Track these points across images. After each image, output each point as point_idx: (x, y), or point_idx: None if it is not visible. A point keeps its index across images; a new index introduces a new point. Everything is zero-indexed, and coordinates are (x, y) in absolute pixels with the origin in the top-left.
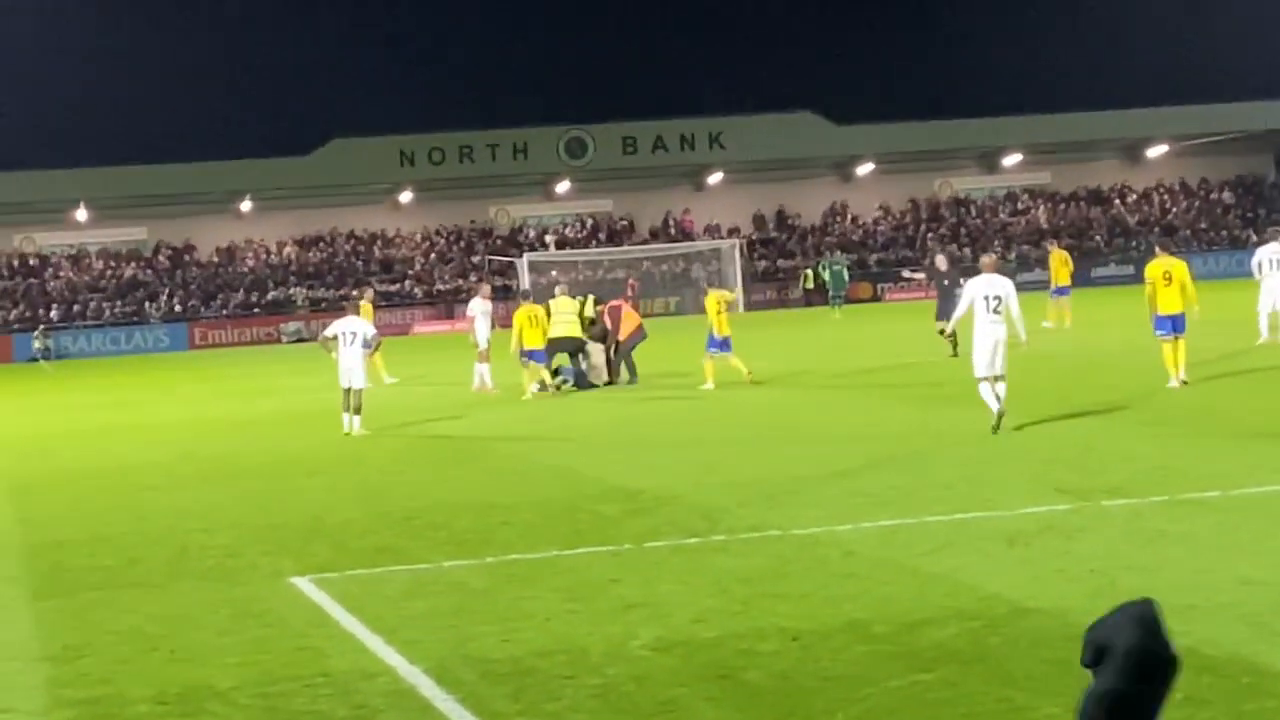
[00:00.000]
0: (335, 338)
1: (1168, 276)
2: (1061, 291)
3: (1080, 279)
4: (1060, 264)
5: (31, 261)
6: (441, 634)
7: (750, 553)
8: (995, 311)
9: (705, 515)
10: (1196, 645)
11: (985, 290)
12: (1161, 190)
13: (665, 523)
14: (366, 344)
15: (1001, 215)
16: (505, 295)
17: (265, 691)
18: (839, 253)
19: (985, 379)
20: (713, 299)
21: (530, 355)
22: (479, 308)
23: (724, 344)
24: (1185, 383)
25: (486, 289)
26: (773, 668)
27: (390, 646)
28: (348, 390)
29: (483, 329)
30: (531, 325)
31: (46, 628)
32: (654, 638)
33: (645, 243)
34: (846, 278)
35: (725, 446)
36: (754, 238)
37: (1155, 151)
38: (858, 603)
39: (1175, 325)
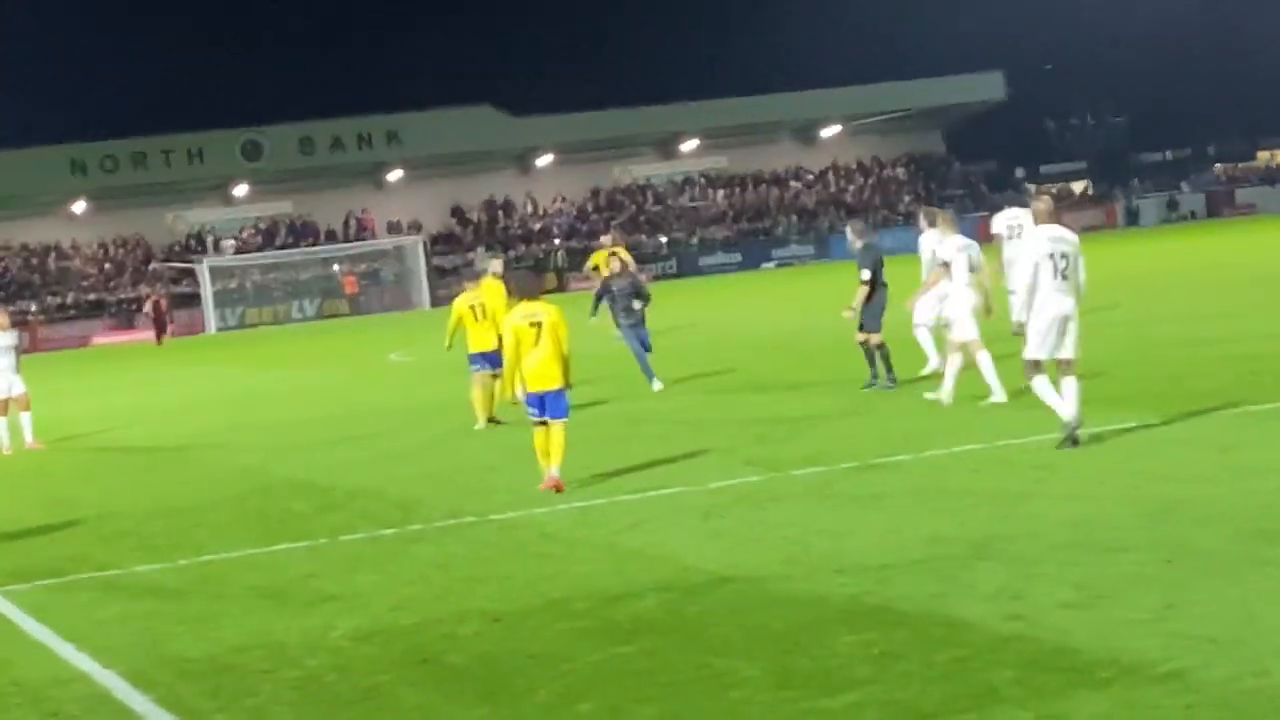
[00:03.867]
0: None
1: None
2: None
3: (761, 258)
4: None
5: None
6: (135, 637)
7: (447, 540)
8: (1064, 276)
9: (400, 506)
10: (890, 602)
11: (1051, 249)
12: (837, 170)
13: (359, 516)
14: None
15: (681, 201)
16: (189, 303)
17: None
18: (481, 249)
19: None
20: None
21: (475, 360)
22: None
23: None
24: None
25: (3, 315)
26: (474, 650)
27: (83, 653)
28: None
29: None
30: (476, 320)
31: None
32: (353, 628)
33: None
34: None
35: (415, 439)
36: (435, 233)
37: (829, 132)
38: (556, 582)
39: None
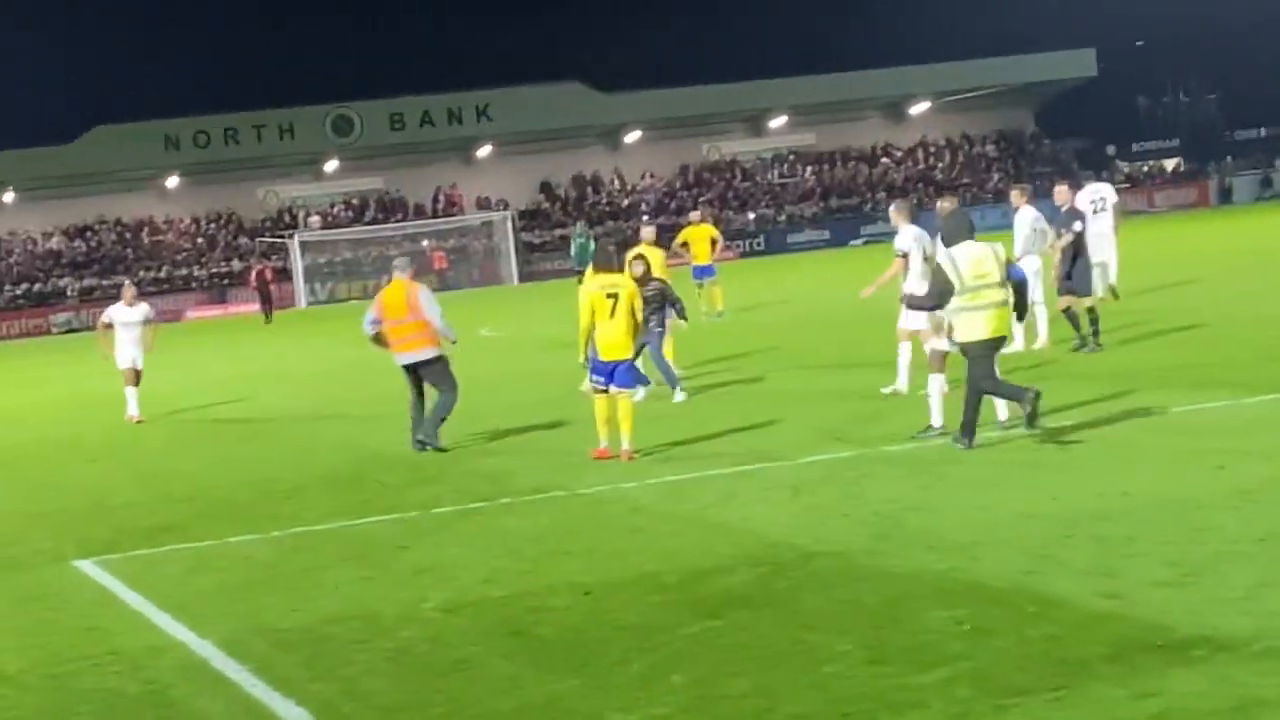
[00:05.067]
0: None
1: None
2: (705, 272)
3: (849, 236)
4: (702, 239)
5: None
6: (230, 607)
7: (537, 513)
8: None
9: (490, 479)
10: (982, 578)
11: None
12: (926, 147)
13: (450, 489)
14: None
15: (770, 177)
16: (279, 278)
17: (54, 672)
18: (580, 224)
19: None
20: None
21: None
22: (117, 315)
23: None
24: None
25: (130, 290)
26: (565, 622)
27: (179, 622)
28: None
29: (123, 344)
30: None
31: None
32: (445, 600)
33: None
34: (591, 249)
35: (505, 413)
36: (523, 209)
37: (918, 109)
38: (647, 555)
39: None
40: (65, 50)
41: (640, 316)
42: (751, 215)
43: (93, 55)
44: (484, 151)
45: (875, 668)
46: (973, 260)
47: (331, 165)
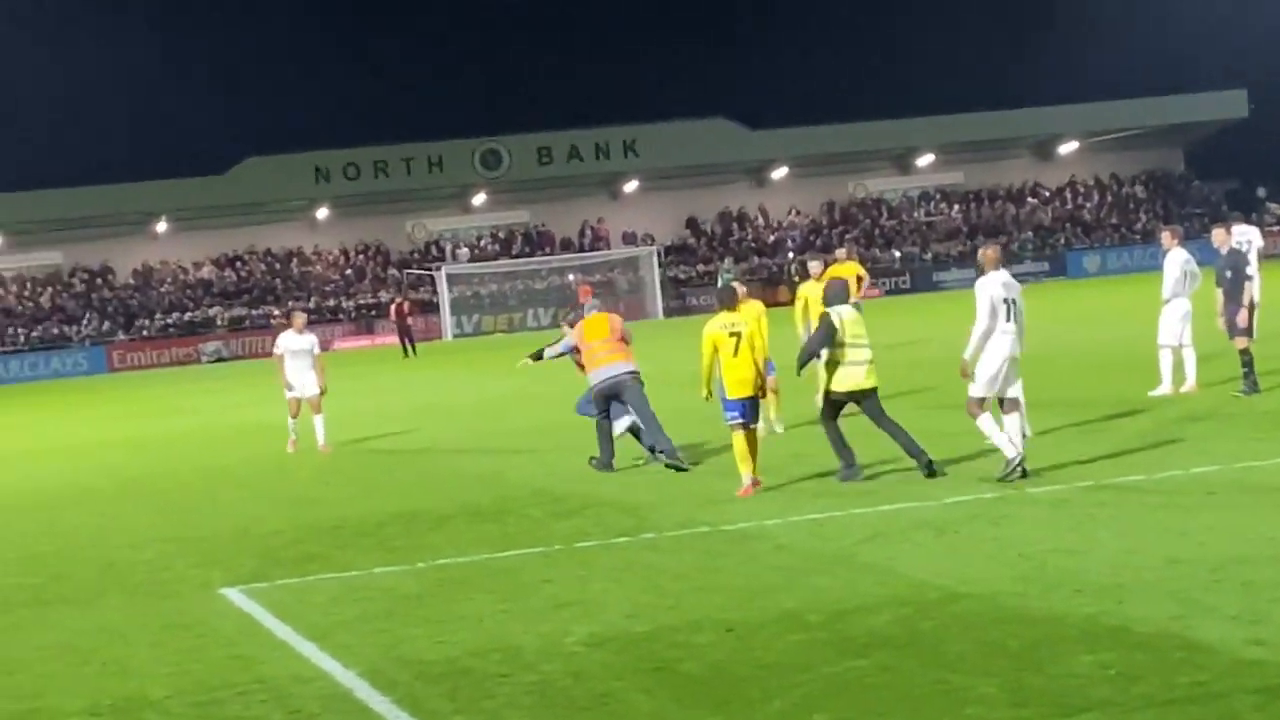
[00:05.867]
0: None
1: None
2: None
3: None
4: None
5: None
6: (375, 638)
7: (680, 549)
8: (1013, 319)
9: (633, 514)
10: (1128, 623)
11: (1005, 294)
12: (1074, 187)
13: (593, 523)
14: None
15: (917, 215)
16: (426, 310)
17: (199, 700)
18: (729, 260)
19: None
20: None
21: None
22: (288, 344)
23: None
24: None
25: (300, 318)
26: (708, 659)
27: (324, 652)
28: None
29: (294, 373)
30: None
31: None
32: (588, 634)
33: (558, 253)
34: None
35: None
36: (669, 245)
37: (1066, 148)
38: (790, 593)
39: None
40: (220, 83)
41: (764, 353)
42: (897, 253)
43: (247, 88)
44: (630, 186)
45: (1018, 711)
46: (849, 320)
47: (479, 198)
